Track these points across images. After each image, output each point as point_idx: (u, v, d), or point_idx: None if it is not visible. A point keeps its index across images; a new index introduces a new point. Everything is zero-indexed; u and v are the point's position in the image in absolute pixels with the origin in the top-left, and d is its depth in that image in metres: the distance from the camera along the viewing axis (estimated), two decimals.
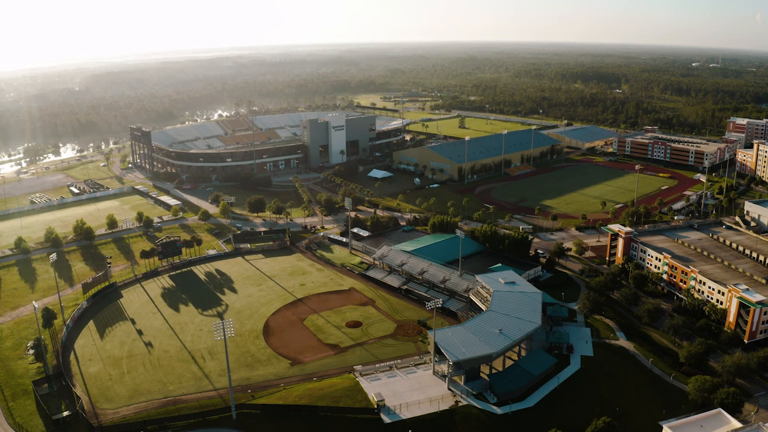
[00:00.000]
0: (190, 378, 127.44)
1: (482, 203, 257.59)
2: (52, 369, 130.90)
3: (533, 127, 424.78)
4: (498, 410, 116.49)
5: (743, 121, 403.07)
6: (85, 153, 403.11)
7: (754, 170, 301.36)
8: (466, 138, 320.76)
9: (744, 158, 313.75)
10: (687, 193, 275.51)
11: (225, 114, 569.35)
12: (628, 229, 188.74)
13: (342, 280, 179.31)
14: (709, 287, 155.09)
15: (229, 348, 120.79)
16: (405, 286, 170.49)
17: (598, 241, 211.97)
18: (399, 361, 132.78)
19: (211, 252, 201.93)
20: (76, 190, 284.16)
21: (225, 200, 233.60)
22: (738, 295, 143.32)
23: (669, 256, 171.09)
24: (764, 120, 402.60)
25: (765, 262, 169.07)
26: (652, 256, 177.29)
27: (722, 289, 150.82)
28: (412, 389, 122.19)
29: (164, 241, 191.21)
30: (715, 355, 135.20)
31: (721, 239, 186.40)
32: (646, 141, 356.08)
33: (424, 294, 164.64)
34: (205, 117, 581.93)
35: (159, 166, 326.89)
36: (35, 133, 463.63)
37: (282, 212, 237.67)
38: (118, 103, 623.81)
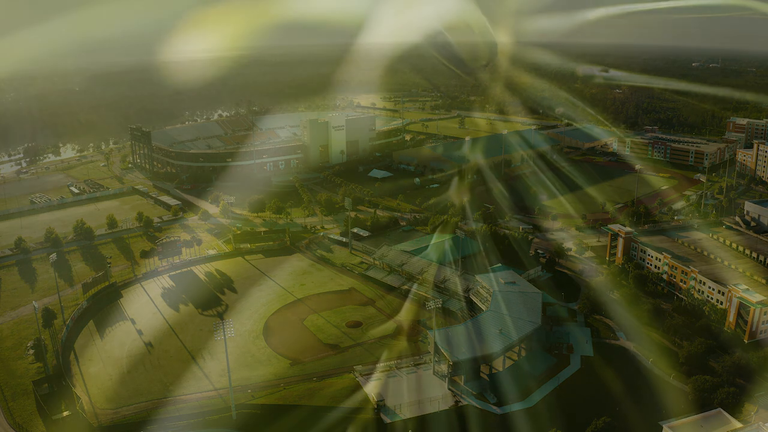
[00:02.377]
0: (190, 378, 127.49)
1: (482, 203, 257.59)
2: (52, 369, 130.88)
3: (533, 127, 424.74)
4: (498, 410, 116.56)
5: (743, 121, 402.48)
6: (85, 153, 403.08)
7: (754, 170, 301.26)
8: (466, 138, 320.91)
9: (744, 158, 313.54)
10: (687, 193, 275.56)
11: (225, 114, 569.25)
12: (628, 229, 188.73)
13: (342, 280, 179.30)
14: (709, 287, 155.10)
15: (229, 348, 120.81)
16: (405, 286, 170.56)
17: (598, 241, 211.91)
18: (399, 361, 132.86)
19: (211, 252, 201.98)
20: (76, 190, 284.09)
21: (225, 200, 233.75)
22: (738, 295, 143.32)
23: (669, 256, 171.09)
24: (764, 120, 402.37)
25: (765, 262, 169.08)
26: (652, 256, 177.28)
27: (722, 289, 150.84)
28: (412, 389, 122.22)
29: (164, 241, 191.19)
30: (715, 355, 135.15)
31: (721, 239, 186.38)
32: (646, 141, 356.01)
33: (424, 294, 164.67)
34: (205, 117, 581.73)
35: (159, 166, 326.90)
36: (35, 133, 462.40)
37: (282, 212, 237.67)
38: (118, 103, 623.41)
